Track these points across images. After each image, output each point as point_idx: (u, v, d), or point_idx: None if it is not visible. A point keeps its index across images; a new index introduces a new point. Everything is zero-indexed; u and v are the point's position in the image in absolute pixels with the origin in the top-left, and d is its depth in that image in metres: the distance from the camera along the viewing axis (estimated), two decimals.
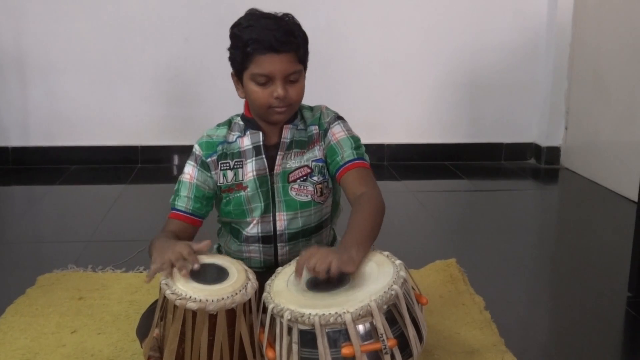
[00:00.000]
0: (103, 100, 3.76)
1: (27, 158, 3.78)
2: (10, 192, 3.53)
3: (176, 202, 1.65)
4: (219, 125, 1.69)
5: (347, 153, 1.63)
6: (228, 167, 1.65)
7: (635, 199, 3.09)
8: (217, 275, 1.42)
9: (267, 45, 1.50)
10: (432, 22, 3.79)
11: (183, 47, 3.72)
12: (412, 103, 3.90)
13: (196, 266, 1.40)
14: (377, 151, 3.84)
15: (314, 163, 1.65)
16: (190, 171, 1.65)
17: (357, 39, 3.74)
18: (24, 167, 3.75)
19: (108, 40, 3.68)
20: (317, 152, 1.66)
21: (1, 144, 3.76)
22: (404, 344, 1.30)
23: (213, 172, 1.64)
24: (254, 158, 1.64)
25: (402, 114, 3.91)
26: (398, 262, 1.39)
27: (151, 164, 3.80)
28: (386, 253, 1.44)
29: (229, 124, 1.69)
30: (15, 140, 3.77)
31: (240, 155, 1.65)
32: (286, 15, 1.58)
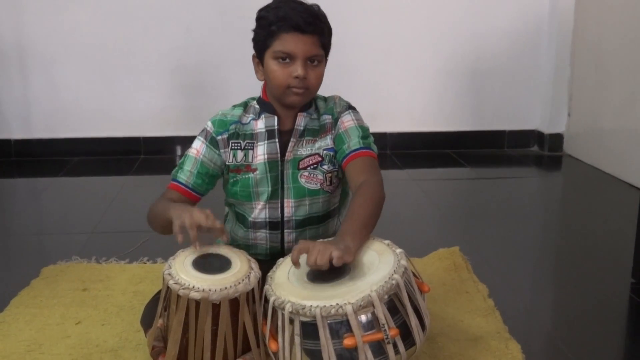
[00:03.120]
0: (105, 91, 3.76)
1: (30, 150, 3.78)
2: (13, 185, 3.54)
3: (178, 174, 1.66)
4: (235, 105, 1.70)
5: (353, 142, 1.63)
6: (239, 147, 1.65)
7: (638, 185, 3.09)
8: (220, 265, 1.42)
9: (293, 24, 1.53)
10: (434, 9, 3.78)
11: (184, 37, 3.71)
12: (414, 91, 3.89)
13: (224, 238, 1.45)
14: (379, 140, 3.75)
15: (325, 152, 1.66)
16: (198, 146, 1.66)
17: (359, 27, 3.72)
18: (27, 160, 3.76)
19: (109, 31, 3.67)
20: (328, 141, 1.67)
21: (4, 137, 3.77)
22: (406, 333, 1.30)
23: (222, 150, 1.65)
24: (266, 141, 1.64)
25: (405, 102, 3.90)
26: (399, 250, 1.39)
27: (154, 155, 3.81)
28: (387, 242, 1.44)
29: (244, 105, 1.69)
30: (17, 132, 3.77)
31: (252, 137, 1.65)
32: (315, 5, 1.60)
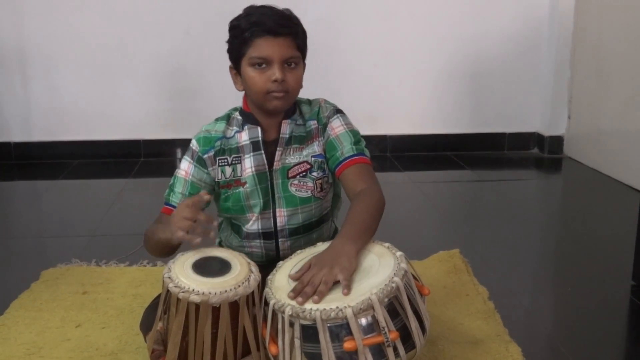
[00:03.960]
0: (104, 94, 3.76)
1: (30, 153, 3.78)
2: (13, 188, 3.54)
3: (170, 198, 1.64)
4: (217, 119, 1.68)
5: (346, 149, 1.62)
6: (226, 163, 1.63)
7: (639, 187, 3.09)
8: (219, 268, 1.42)
9: (266, 28, 1.51)
10: (434, 12, 3.78)
11: (184, 40, 3.71)
12: (414, 94, 3.89)
13: (214, 227, 1.42)
14: (379, 142, 3.83)
15: (313, 159, 1.64)
16: (186, 167, 1.64)
17: (357, 30, 3.72)
18: (27, 163, 3.76)
19: (109, 34, 3.68)
20: (316, 147, 1.65)
21: (4, 140, 3.77)
22: (406, 336, 1.30)
23: (210, 169, 1.63)
24: (252, 153, 1.62)
25: (404, 105, 3.90)
26: (399, 253, 1.38)
27: (153, 158, 3.82)
28: (387, 244, 1.44)
29: (227, 118, 1.67)
30: (17, 135, 3.78)
31: (238, 150, 1.63)
32: (286, 9, 1.58)
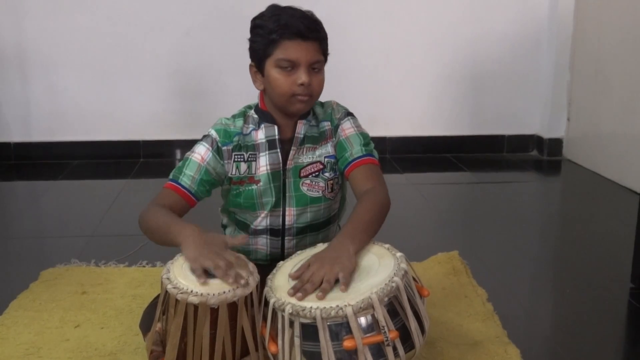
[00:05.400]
0: (104, 95, 3.76)
1: (30, 153, 3.78)
2: (13, 188, 3.54)
3: (180, 177, 1.61)
4: (234, 116, 1.68)
5: (355, 149, 1.63)
6: (242, 159, 1.64)
7: (638, 190, 3.09)
8: None
9: (295, 31, 1.52)
10: (434, 14, 3.78)
11: (184, 41, 3.71)
12: (414, 96, 3.89)
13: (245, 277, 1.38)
14: (379, 144, 3.76)
15: (326, 159, 1.66)
16: (202, 152, 1.62)
17: (358, 31, 3.73)
18: (27, 163, 3.76)
19: (109, 35, 3.68)
20: (329, 148, 1.67)
21: (4, 140, 3.77)
22: (405, 335, 1.30)
23: (225, 161, 1.64)
24: (267, 152, 1.63)
25: (404, 106, 3.91)
26: (399, 254, 1.39)
27: (153, 159, 3.81)
28: (387, 245, 1.44)
29: (243, 115, 1.67)
30: (17, 135, 3.78)
31: (254, 148, 1.64)
32: (308, 11, 1.59)
